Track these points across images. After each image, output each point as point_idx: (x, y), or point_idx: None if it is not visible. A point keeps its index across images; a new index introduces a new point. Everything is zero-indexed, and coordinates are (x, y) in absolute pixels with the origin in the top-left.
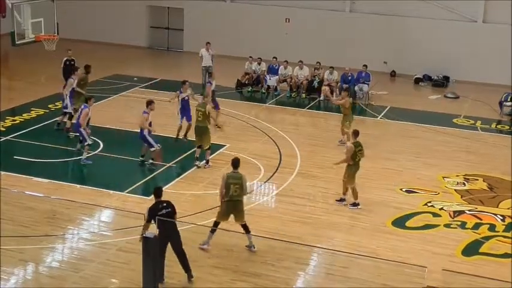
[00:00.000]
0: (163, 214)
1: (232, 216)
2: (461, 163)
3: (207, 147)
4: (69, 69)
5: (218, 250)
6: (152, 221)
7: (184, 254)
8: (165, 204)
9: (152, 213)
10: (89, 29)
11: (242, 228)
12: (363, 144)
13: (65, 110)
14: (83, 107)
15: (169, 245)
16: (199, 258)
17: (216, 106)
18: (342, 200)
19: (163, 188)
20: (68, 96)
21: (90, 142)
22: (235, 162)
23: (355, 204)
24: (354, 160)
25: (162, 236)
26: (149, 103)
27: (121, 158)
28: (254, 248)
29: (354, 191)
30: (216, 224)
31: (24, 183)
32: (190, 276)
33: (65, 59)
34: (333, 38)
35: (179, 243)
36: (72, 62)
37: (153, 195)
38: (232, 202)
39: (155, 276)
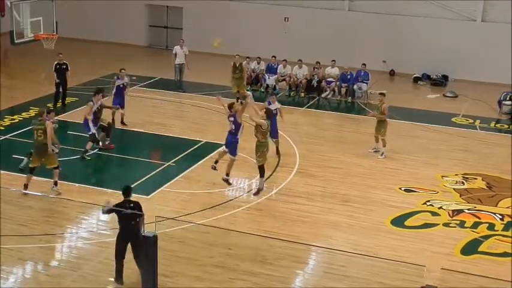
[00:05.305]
0: (127, 213)
1: None
2: (460, 162)
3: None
4: (61, 73)
5: (218, 249)
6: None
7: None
8: (132, 205)
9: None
10: (88, 28)
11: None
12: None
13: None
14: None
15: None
16: (199, 257)
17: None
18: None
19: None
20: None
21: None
22: None
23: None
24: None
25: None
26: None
27: (119, 156)
28: None
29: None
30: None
31: (22, 182)
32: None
33: (56, 62)
34: (332, 37)
35: (138, 248)
36: (64, 66)
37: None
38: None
39: (154, 276)
